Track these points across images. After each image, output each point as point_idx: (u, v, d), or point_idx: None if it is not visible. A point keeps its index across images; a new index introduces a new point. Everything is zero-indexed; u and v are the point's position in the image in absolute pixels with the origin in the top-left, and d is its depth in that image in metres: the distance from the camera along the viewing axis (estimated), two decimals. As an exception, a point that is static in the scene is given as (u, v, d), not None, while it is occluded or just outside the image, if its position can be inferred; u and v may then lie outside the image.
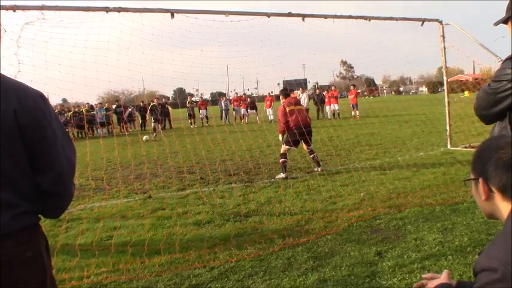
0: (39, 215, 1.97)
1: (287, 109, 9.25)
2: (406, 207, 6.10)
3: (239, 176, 9.35)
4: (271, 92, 27.72)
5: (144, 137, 18.64)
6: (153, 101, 20.42)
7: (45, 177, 1.87)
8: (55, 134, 1.89)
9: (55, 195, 1.93)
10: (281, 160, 9.12)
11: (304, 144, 9.42)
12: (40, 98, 1.88)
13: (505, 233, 1.36)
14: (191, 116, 27.73)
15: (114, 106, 27.84)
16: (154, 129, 21.33)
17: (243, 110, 29.08)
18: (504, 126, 2.37)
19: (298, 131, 8.97)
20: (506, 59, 2.36)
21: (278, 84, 26.84)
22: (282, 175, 8.90)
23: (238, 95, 29.67)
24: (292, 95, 26.09)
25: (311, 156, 9.50)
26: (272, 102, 27.99)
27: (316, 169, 9.38)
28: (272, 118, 27.30)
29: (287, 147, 9.22)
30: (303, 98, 21.61)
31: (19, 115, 1.76)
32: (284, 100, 9.55)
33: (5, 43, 5.11)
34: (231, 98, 30.28)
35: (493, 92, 2.36)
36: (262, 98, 31.80)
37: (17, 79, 1.95)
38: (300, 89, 23.75)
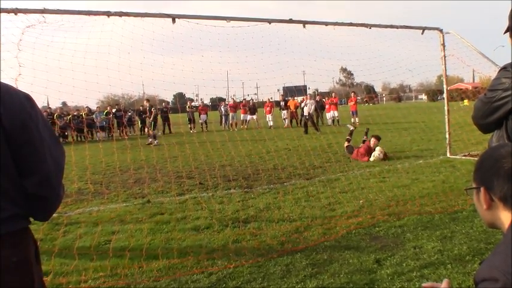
0: (30, 219, 1.93)
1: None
2: (405, 215, 6.09)
3: (238, 181, 9.34)
4: (271, 98, 27.78)
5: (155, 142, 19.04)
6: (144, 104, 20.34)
7: (32, 180, 1.83)
8: (42, 136, 1.85)
9: (43, 198, 1.89)
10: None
11: None
12: (26, 100, 1.84)
13: (506, 242, 1.35)
14: (191, 121, 27.72)
15: (114, 110, 27.84)
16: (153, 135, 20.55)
17: (242, 116, 29.04)
18: (501, 135, 2.38)
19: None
20: (501, 69, 2.38)
21: (278, 90, 26.84)
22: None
23: (237, 101, 29.60)
24: (293, 102, 25.92)
25: None
26: (272, 108, 27.97)
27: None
28: (272, 124, 27.30)
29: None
30: (310, 104, 21.63)
31: (4, 118, 1.73)
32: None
33: (3, 46, 5.13)
34: (228, 103, 30.15)
35: (489, 101, 2.38)
36: (261, 104, 31.76)
37: (17, 82, 1.94)
38: (308, 95, 23.82)
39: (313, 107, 21.96)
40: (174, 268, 4.68)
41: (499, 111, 2.34)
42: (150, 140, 19.95)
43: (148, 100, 21.89)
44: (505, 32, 2.45)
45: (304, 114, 21.82)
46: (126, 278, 4.50)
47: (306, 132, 20.80)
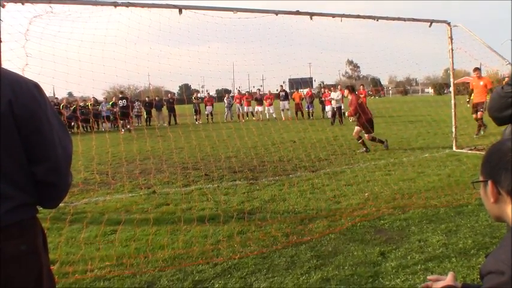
0: (37, 207, 1.95)
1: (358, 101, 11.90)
2: (410, 208, 6.08)
3: (243, 173, 9.35)
4: (277, 90, 27.57)
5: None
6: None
7: (41, 167, 1.85)
8: (51, 124, 1.87)
9: (51, 186, 1.91)
10: (360, 141, 11.88)
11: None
12: (35, 88, 1.86)
13: (513, 236, 1.35)
14: (197, 112, 27.73)
15: (119, 101, 27.90)
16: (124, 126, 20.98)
17: (246, 108, 28.92)
18: None
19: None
20: None
21: (284, 82, 26.61)
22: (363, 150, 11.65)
23: (243, 93, 29.47)
24: (298, 94, 25.95)
25: (365, 139, 11.83)
26: (272, 101, 27.71)
27: (360, 150, 11.74)
28: (274, 116, 27.17)
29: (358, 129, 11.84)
30: (336, 96, 21.73)
31: (14, 105, 1.74)
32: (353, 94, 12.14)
33: (11, 36, 5.14)
34: (233, 95, 30.04)
35: (505, 96, 2.37)
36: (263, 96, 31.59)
37: (24, 72, 1.94)
38: (332, 87, 23.91)
39: (340, 97, 22.06)
40: (179, 258, 4.71)
41: None
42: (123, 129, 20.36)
43: (122, 92, 22.16)
44: None
45: (333, 106, 22.10)
46: (131, 267, 4.53)
47: (333, 123, 21.48)
